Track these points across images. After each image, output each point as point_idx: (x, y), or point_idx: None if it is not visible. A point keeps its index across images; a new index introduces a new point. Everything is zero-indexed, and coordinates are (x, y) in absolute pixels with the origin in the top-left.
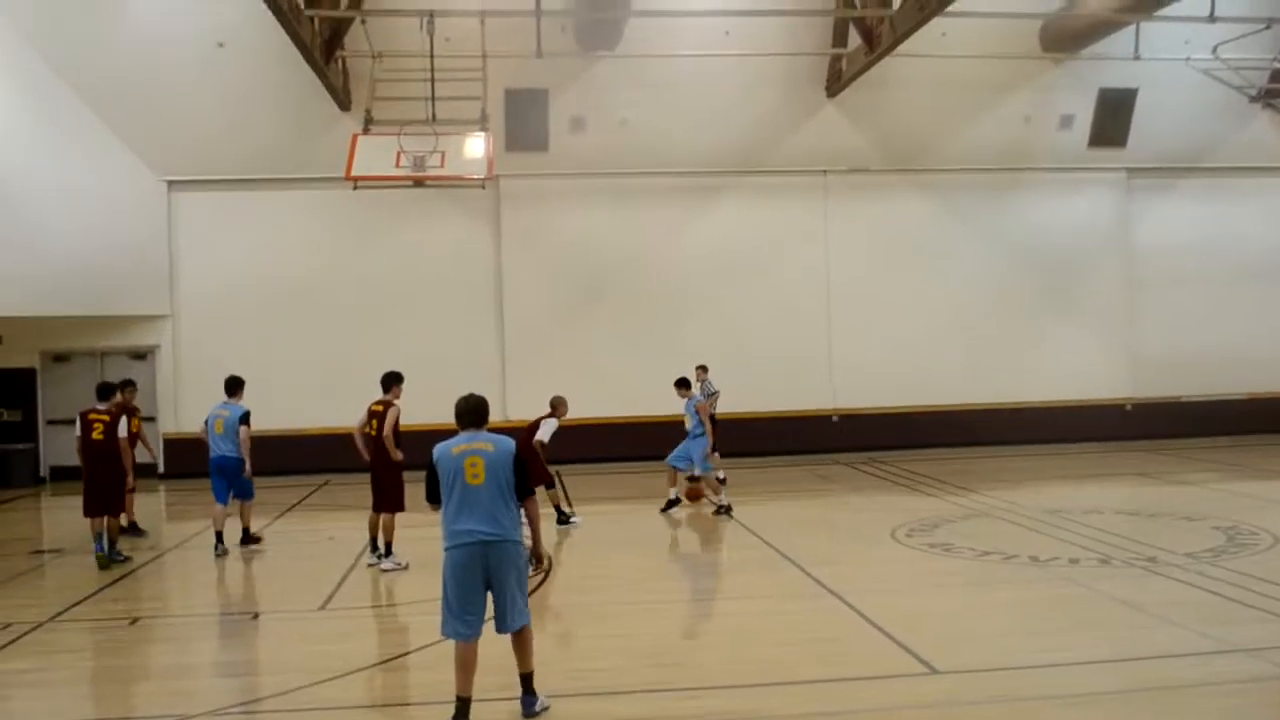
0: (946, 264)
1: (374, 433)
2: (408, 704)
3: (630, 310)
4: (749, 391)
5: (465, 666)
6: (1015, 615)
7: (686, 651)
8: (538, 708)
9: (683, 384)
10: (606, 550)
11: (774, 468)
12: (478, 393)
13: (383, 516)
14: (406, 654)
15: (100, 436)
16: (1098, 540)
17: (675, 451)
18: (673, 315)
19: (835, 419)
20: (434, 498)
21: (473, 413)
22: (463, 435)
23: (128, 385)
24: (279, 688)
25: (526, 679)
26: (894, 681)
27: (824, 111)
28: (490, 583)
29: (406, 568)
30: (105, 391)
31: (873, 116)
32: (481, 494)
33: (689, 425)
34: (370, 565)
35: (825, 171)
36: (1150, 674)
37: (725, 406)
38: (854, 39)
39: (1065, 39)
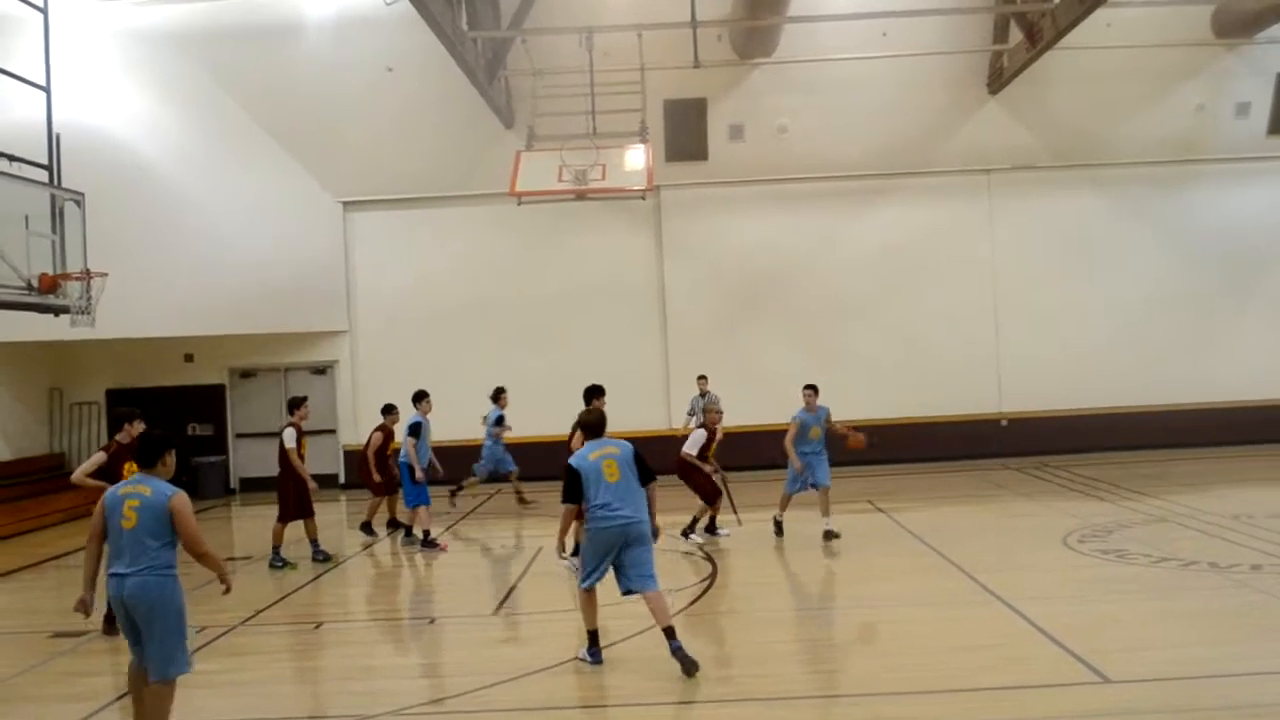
0: (1118, 261)
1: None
2: (580, 706)
3: (793, 316)
4: (915, 396)
5: (588, 606)
6: (1192, 623)
7: (852, 658)
8: (685, 658)
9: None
10: (772, 556)
11: (941, 473)
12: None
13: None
14: (574, 659)
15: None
16: None
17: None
18: (836, 320)
19: (1004, 423)
20: (574, 498)
21: (599, 424)
22: (591, 443)
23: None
24: (455, 689)
25: (668, 630)
26: (1065, 690)
27: (986, 109)
28: (626, 554)
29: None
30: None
31: (1037, 112)
32: (619, 488)
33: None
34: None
35: (989, 170)
36: None
37: (896, 411)
38: (1015, 34)
39: (1239, 23)
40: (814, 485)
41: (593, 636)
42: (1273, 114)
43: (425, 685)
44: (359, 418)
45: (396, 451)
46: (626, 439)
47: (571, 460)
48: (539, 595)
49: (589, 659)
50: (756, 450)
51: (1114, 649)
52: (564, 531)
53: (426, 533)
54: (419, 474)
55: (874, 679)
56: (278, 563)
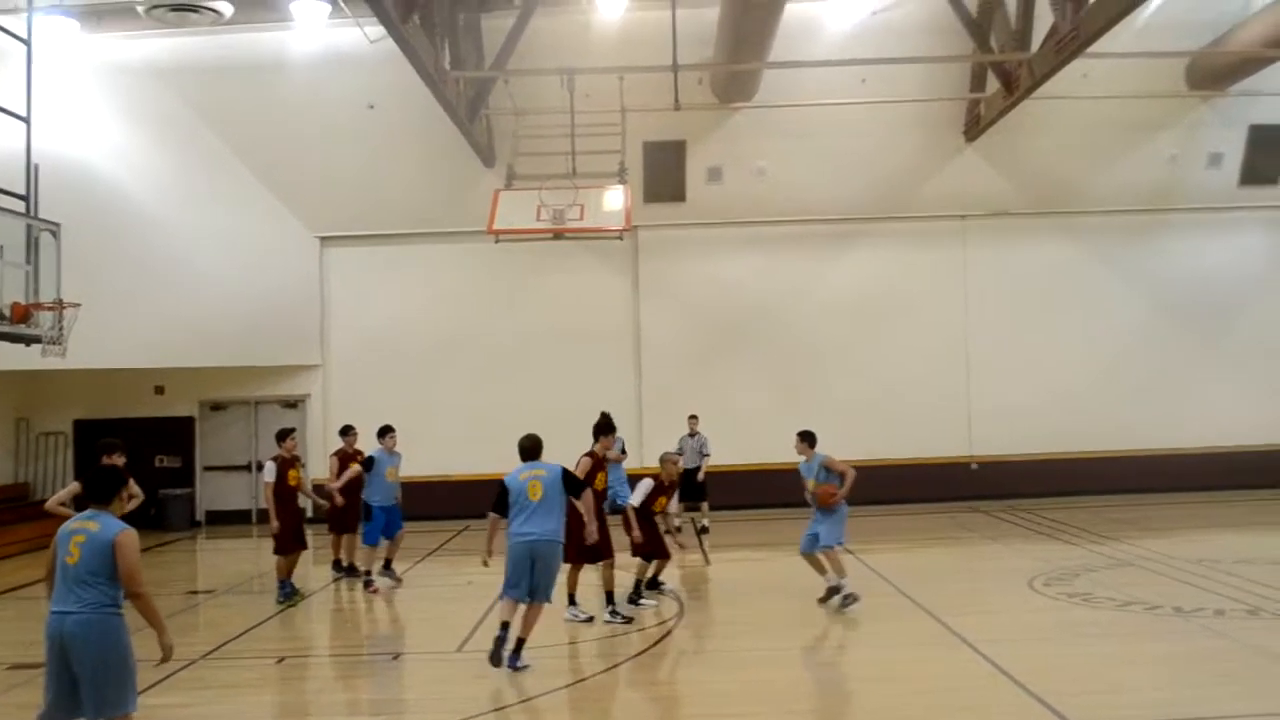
0: (1090, 308)
1: None
2: None
3: (768, 358)
4: (887, 438)
5: (509, 610)
6: (1156, 668)
7: (819, 699)
8: (519, 664)
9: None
10: (741, 596)
11: (910, 514)
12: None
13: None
14: (540, 696)
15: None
16: (1247, 591)
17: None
18: (810, 363)
19: (974, 466)
20: (499, 510)
21: (531, 448)
22: (523, 465)
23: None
24: None
25: (520, 641)
26: None
27: (962, 156)
28: (533, 568)
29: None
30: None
31: (1013, 160)
32: (538, 507)
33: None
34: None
35: (964, 216)
36: None
37: (868, 453)
38: (992, 83)
39: (1213, 76)
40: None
41: (504, 626)
42: (1244, 165)
43: None
44: (330, 451)
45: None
46: None
47: (506, 478)
48: None
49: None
50: (731, 490)
51: (1077, 692)
52: (489, 538)
53: (367, 572)
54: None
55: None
56: (282, 596)
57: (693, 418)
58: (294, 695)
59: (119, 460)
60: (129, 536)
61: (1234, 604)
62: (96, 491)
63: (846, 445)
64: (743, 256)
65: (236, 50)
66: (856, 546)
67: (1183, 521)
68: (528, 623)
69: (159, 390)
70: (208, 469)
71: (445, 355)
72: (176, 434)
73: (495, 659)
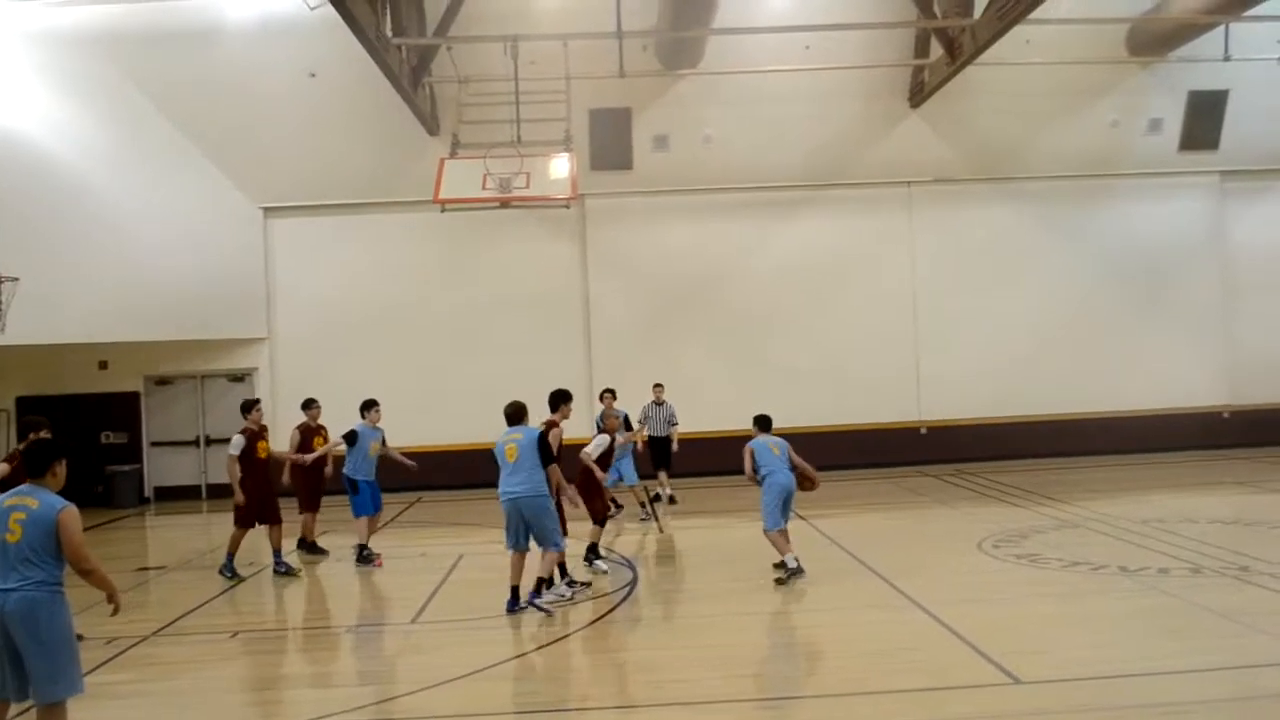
0: (1034, 273)
1: None
2: (498, 714)
3: (716, 325)
4: (835, 404)
5: (516, 567)
6: (1102, 625)
7: (768, 662)
8: (536, 602)
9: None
10: (691, 563)
11: (860, 480)
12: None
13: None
14: (495, 665)
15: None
16: (1190, 550)
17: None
18: (759, 330)
19: (923, 431)
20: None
21: (515, 414)
22: (507, 430)
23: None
24: (372, 698)
25: (539, 581)
26: (977, 692)
27: (907, 123)
28: (526, 523)
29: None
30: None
31: (956, 126)
32: (516, 468)
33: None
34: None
35: (909, 183)
36: (1241, 684)
37: (817, 419)
38: (936, 49)
39: (1152, 42)
40: None
41: (514, 591)
42: (1184, 130)
43: (339, 694)
44: (278, 426)
45: (338, 459)
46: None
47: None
48: (457, 604)
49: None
50: (683, 458)
51: (1026, 650)
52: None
53: (364, 546)
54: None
55: (791, 683)
56: (280, 568)
57: (658, 386)
58: (248, 669)
59: (45, 437)
60: (71, 514)
61: (1177, 563)
62: (33, 465)
63: (796, 412)
64: (690, 224)
65: (172, 17)
66: (807, 511)
67: (1126, 483)
68: (544, 565)
69: (103, 365)
70: (155, 444)
71: (393, 326)
72: (122, 409)
73: (510, 608)
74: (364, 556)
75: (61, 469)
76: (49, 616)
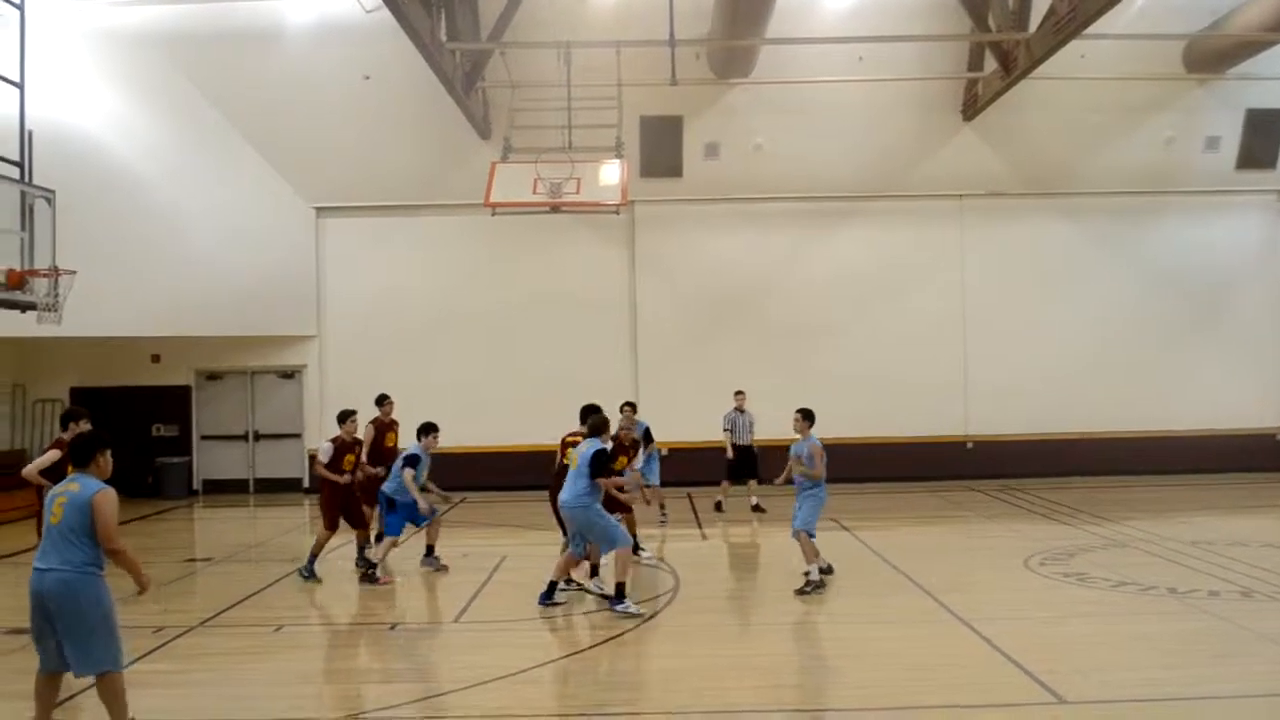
0: (1086, 289)
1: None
2: (539, 715)
3: (763, 334)
4: (881, 416)
5: (560, 568)
6: (1150, 647)
7: (809, 673)
8: (619, 608)
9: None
10: (732, 572)
11: (905, 493)
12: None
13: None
14: (536, 667)
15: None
16: (1241, 573)
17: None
18: (805, 338)
19: (969, 445)
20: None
21: (583, 421)
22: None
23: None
24: (413, 695)
25: (620, 587)
26: (1020, 710)
27: (959, 135)
28: (581, 531)
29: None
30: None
31: (1010, 140)
32: (570, 475)
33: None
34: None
35: (961, 196)
36: None
37: (862, 430)
38: (990, 62)
39: (1210, 59)
40: None
41: (550, 585)
42: (1241, 149)
43: (381, 690)
44: (325, 423)
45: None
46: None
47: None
48: (500, 604)
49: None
50: (720, 466)
51: (1071, 670)
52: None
53: (374, 565)
54: (423, 506)
55: (832, 696)
56: (305, 572)
57: (739, 393)
58: (291, 662)
59: (85, 427)
60: (105, 495)
61: (1227, 585)
62: (78, 455)
63: (841, 423)
64: (739, 232)
65: (232, 19)
66: (851, 523)
67: (1177, 503)
68: (617, 568)
69: (155, 359)
70: (205, 438)
71: (441, 327)
72: (173, 403)
73: (543, 599)
74: (370, 575)
75: (105, 459)
76: (86, 596)
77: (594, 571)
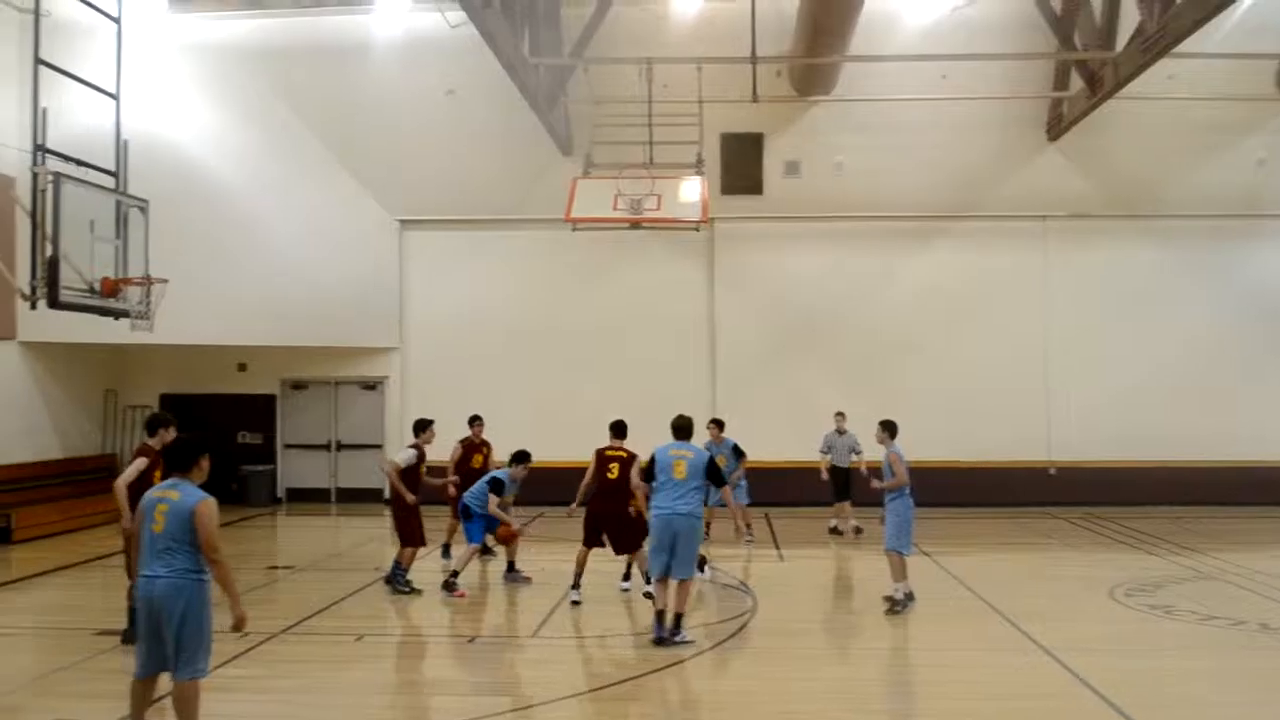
0: (1172, 314)
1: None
2: None
3: (841, 354)
4: (961, 439)
5: (660, 593)
6: (1238, 683)
7: (891, 699)
8: (678, 639)
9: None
10: (812, 594)
11: (985, 518)
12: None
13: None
14: (611, 685)
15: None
16: None
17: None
18: (884, 360)
19: (1052, 471)
20: (647, 478)
21: (684, 429)
22: (674, 443)
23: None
24: (490, 709)
25: (660, 615)
26: None
27: (1044, 155)
28: (675, 543)
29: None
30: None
31: (1096, 160)
32: (680, 485)
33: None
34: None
35: (1044, 217)
36: None
37: (942, 454)
38: (1076, 81)
39: None
40: None
41: (659, 615)
42: None
43: (460, 703)
44: (406, 435)
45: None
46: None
47: (655, 450)
48: (577, 621)
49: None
50: (805, 486)
51: (1156, 705)
52: (642, 503)
53: (454, 573)
54: (515, 529)
55: None
56: (403, 586)
57: (839, 414)
58: (372, 672)
59: (172, 434)
60: (208, 506)
61: None
62: (176, 461)
63: (918, 445)
64: (819, 251)
65: (319, 34)
66: (931, 548)
67: (1269, 535)
68: (679, 600)
69: (242, 367)
70: (288, 446)
71: (520, 341)
72: (258, 411)
73: (658, 640)
74: (450, 584)
75: (206, 463)
76: (195, 602)
77: (627, 575)
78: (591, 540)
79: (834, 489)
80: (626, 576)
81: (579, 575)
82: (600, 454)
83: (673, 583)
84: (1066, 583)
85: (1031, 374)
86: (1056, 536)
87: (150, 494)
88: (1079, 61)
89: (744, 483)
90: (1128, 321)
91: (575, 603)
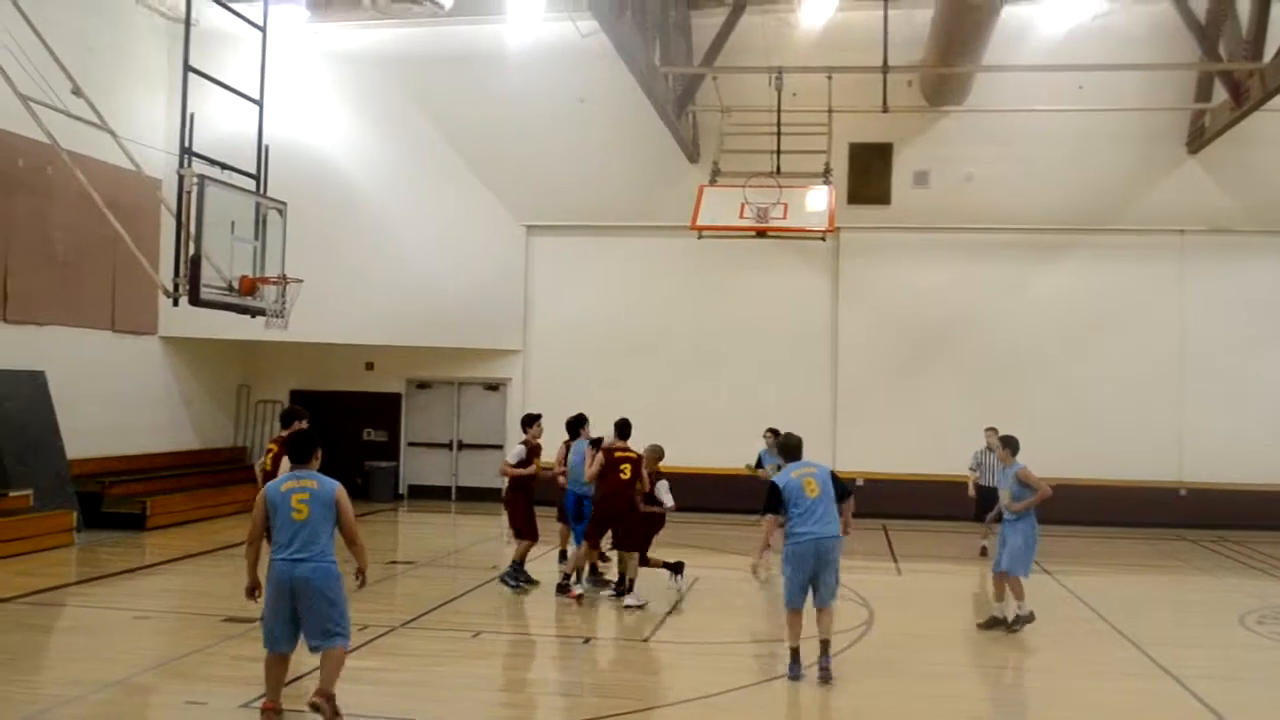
0: None
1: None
2: None
3: (967, 368)
4: (1089, 457)
5: (798, 626)
6: None
7: (1006, 718)
8: (832, 670)
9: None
10: (928, 609)
11: (1111, 539)
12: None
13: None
14: (725, 692)
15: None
16: None
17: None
18: (1011, 375)
19: (1183, 493)
20: (774, 509)
21: (798, 447)
22: (794, 464)
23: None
24: (602, 711)
25: (825, 644)
26: None
27: (1183, 168)
28: (819, 568)
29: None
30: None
31: (1238, 174)
32: (816, 504)
33: (1006, 502)
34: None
35: (1183, 231)
36: None
37: (1068, 471)
38: (1219, 93)
39: None
40: None
41: (794, 654)
42: None
43: (574, 704)
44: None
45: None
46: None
47: (775, 478)
48: (691, 627)
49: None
50: (924, 500)
51: None
52: (766, 539)
53: (568, 575)
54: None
55: None
56: (512, 581)
57: (990, 430)
58: (487, 669)
59: (302, 425)
60: (344, 492)
61: None
62: (299, 450)
63: (1045, 462)
64: (946, 263)
65: (454, 42)
66: (1055, 568)
67: None
68: (826, 626)
69: (369, 366)
70: (411, 444)
71: (641, 347)
72: (384, 409)
73: (794, 674)
74: (564, 585)
75: (319, 456)
76: (334, 581)
77: (628, 588)
78: (598, 540)
79: (979, 508)
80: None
81: (582, 573)
82: (610, 454)
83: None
84: (1195, 607)
85: (1164, 392)
86: (1185, 559)
87: (281, 485)
88: (1223, 72)
89: None
90: (1267, 340)
91: (579, 596)
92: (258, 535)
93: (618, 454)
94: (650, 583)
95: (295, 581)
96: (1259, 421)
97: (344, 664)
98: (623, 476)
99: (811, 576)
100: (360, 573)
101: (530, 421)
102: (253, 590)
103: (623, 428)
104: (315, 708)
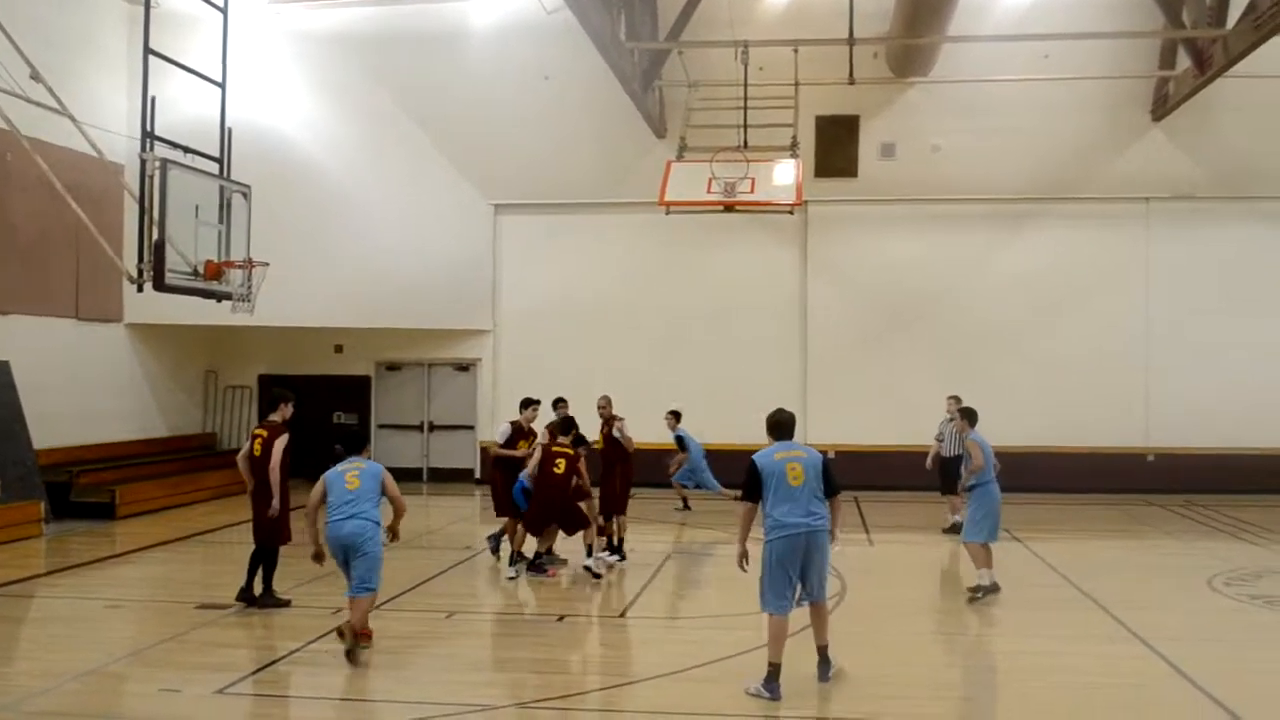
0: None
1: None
2: (701, 714)
3: (935, 337)
4: (1057, 425)
5: (780, 637)
6: None
7: (980, 686)
8: (831, 673)
9: (967, 415)
10: (901, 579)
11: (1079, 505)
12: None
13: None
14: (699, 666)
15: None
16: None
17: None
18: (980, 345)
19: (1150, 458)
20: (753, 497)
21: (788, 425)
22: (778, 445)
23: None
24: (575, 688)
25: (823, 650)
26: None
27: (1148, 136)
28: (805, 563)
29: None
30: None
31: (1202, 141)
32: (800, 492)
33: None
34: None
35: (1148, 199)
36: None
37: (1037, 439)
38: (1183, 60)
39: None
40: None
41: (773, 670)
42: None
43: (548, 681)
44: (498, 416)
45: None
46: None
47: (755, 457)
48: (664, 603)
49: (764, 693)
50: (893, 471)
51: (1256, 696)
52: (745, 532)
53: (542, 554)
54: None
55: (1006, 710)
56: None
57: (952, 398)
58: (461, 649)
59: (290, 410)
60: (388, 471)
61: None
62: (355, 445)
63: (1012, 430)
64: (914, 235)
65: (417, 20)
66: (1025, 535)
67: None
68: (822, 628)
69: (338, 349)
70: (382, 426)
71: (612, 324)
72: (353, 392)
73: (773, 692)
74: (540, 565)
75: (370, 450)
76: (375, 538)
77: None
78: (539, 530)
79: (943, 480)
80: (615, 550)
81: (521, 556)
82: (546, 449)
83: (814, 607)
84: (1163, 571)
85: (1132, 358)
86: (1154, 524)
87: (335, 469)
88: (1187, 39)
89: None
90: (1232, 305)
91: (511, 578)
92: (313, 509)
93: (554, 449)
94: (631, 560)
95: (344, 536)
96: (1225, 387)
97: (368, 607)
98: (556, 471)
99: (799, 572)
100: (393, 529)
101: (527, 404)
102: (319, 556)
103: (564, 424)
104: (340, 633)
